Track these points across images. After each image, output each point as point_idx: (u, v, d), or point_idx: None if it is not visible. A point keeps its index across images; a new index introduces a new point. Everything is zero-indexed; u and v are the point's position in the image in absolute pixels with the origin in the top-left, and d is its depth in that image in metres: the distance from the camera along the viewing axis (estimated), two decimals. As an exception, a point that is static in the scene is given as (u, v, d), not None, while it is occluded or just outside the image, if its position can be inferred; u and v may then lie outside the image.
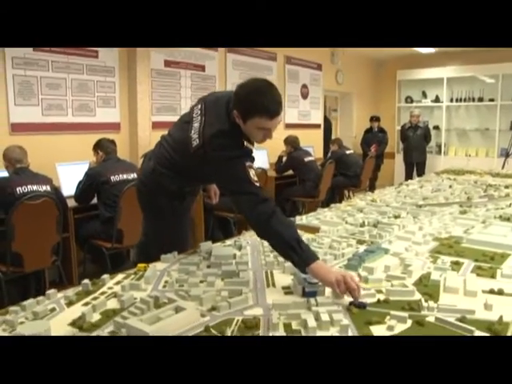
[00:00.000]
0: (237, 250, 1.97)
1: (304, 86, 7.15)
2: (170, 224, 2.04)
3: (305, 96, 7.20)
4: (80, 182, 3.29)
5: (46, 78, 3.81)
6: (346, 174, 6.07)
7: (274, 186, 5.36)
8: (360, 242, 2.07)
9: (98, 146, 3.42)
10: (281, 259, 1.77)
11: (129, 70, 4.45)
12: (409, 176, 7.37)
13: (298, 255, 1.50)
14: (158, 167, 1.95)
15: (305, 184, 5.27)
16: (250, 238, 2.20)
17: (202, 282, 1.58)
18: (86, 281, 1.59)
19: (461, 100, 8.10)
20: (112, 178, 3.23)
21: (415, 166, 7.61)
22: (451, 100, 8.19)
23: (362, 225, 2.38)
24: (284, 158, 5.42)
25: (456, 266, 1.69)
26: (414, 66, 8.31)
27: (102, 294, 1.53)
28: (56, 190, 2.99)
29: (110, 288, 1.58)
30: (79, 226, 3.31)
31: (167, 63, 4.83)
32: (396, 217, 2.55)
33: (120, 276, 1.70)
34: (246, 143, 1.71)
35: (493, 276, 1.59)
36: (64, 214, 3.06)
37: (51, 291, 1.50)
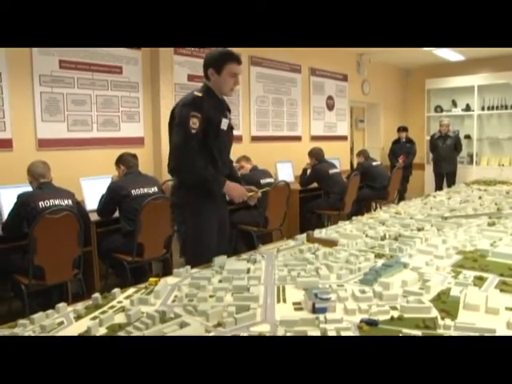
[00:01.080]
0: (251, 265, 1.93)
1: (329, 98, 7.09)
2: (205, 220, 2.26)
3: (330, 108, 7.14)
4: (102, 196, 3.34)
5: (71, 95, 3.91)
6: (373, 186, 5.95)
7: (299, 198, 5.30)
8: (379, 255, 1.99)
9: (120, 161, 3.46)
10: (294, 273, 1.73)
11: (152, 84, 4.52)
12: (439, 187, 7.15)
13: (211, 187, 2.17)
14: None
15: (329, 197, 5.19)
16: (266, 251, 2.16)
17: (211, 296, 1.55)
18: (97, 294, 1.59)
19: (493, 108, 7.85)
20: (133, 191, 3.25)
21: (445, 176, 7.39)
22: (482, 108, 7.95)
23: (383, 238, 2.30)
24: (308, 171, 5.36)
25: (479, 281, 1.60)
26: (443, 74, 8.13)
27: (111, 307, 1.52)
28: (78, 204, 3.03)
29: (119, 302, 1.57)
30: (101, 239, 3.34)
31: (191, 77, 4.88)
32: (419, 229, 2.46)
33: (131, 290, 1.69)
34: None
35: (518, 292, 1.49)
36: (86, 228, 3.11)
37: (61, 305, 1.50)
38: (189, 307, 1.45)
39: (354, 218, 2.90)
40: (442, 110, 8.39)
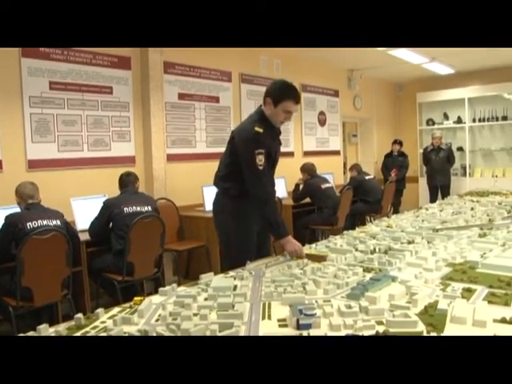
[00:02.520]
0: (238, 281, 1.91)
1: (321, 113, 7.14)
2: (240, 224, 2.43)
3: (322, 123, 7.18)
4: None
5: (62, 116, 3.91)
6: (366, 200, 5.95)
7: (291, 214, 5.28)
8: (367, 270, 1.97)
9: (119, 181, 3.49)
10: (280, 289, 1.71)
11: (143, 104, 4.53)
12: (433, 200, 7.12)
13: (275, 231, 2.35)
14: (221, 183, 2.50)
15: (322, 211, 5.18)
16: (254, 268, 2.13)
17: (195, 315, 1.52)
18: (79, 315, 1.56)
19: (484, 120, 7.91)
20: (125, 209, 3.24)
21: (440, 189, 7.40)
22: (474, 120, 8.01)
23: (373, 252, 2.28)
24: (301, 186, 5.36)
25: (468, 293, 1.58)
26: (434, 87, 8.21)
27: (94, 328, 1.49)
28: (67, 225, 3.01)
29: (102, 322, 1.54)
30: (92, 259, 3.31)
31: (181, 96, 4.90)
32: (410, 242, 2.44)
33: (115, 310, 1.66)
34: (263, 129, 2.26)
35: (507, 303, 1.47)
36: (76, 248, 3.08)
37: (42, 326, 1.46)
38: (172, 326, 1.42)
39: (345, 232, 2.88)
40: (433, 123, 8.45)
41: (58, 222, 2.86)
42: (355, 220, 5.91)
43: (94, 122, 4.14)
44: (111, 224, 3.23)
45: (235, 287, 1.82)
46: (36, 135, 3.76)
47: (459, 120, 8.12)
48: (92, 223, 3.28)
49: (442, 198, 6.18)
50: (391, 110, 8.89)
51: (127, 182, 3.41)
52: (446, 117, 8.37)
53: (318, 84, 6.96)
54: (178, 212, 4.52)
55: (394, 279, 1.77)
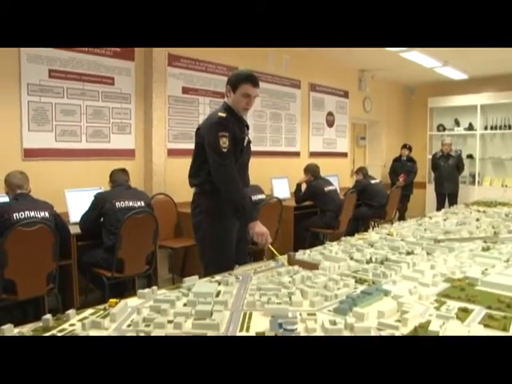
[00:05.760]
0: (223, 287, 1.81)
1: (330, 114, 7.01)
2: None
3: (330, 124, 7.05)
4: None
5: (60, 105, 3.83)
6: (371, 205, 5.82)
7: (293, 215, 5.17)
8: (360, 281, 1.86)
9: (110, 178, 3.40)
10: (264, 299, 1.60)
11: (145, 96, 4.44)
12: (440, 207, 6.99)
13: (242, 215, 2.29)
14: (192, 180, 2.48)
15: (325, 214, 5.06)
16: (242, 273, 2.03)
17: (170, 322, 1.43)
18: (47, 316, 1.46)
19: (496, 128, 7.73)
20: (117, 203, 3.15)
21: (447, 196, 7.25)
22: (485, 128, 7.84)
23: (369, 261, 2.17)
24: (303, 186, 5.24)
25: (463, 313, 1.46)
26: (446, 92, 8.05)
27: (61, 331, 1.40)
28: (57, 217, 2.92)
29: (72, 325, 1.45)
30: (82, 253, 3.23)
31: (185, 90, 4.81)
32: (408, 253, 2.32)
33: (88, 311, 1.57)
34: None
35: (505, 328, 1.35)
36: (66, 241, 3.00)
37: (6, 327, 1.38)
38: (142, 334, 1.33)
39: (342, 238, 2.76)
40: (444, 129, 8.28)
41: (46, 214, 2.78)
42: (358, 224, 5.79)
43: (93, 112, 4.06)
44: (102, 219, 3.14)
45: (218, 293, 1.72)
46: (33, 124, 3.68)
47: (470, 127, 7.95)
48: (83, 216, 3.19)
49: (450, 206, 6.04)
50: (402, 113, 8.73)
51: (118, 177, 3.32)
52: (457, 123, 8.20)
53: (327, 84, 6.83)
54: (177, 208, 4.43)
55: (386, 293, 1.66)
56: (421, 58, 5.96)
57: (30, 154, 3.68)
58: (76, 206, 3.51)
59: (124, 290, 3.33)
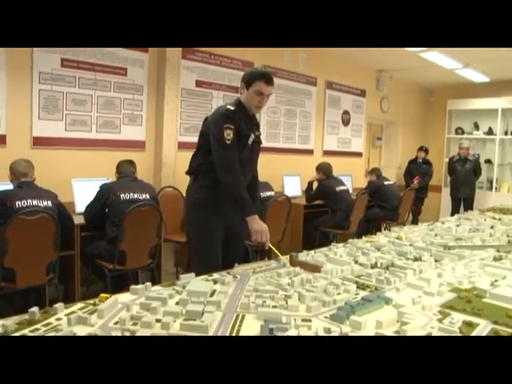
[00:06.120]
0: (219, 286, 1.75)
1: (345, 113, 6.90)
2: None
3: (346, 123, 6.94)
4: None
5: (72, 94, 3.81)
6: (384, 206, 5.71)
7: (303, 214, 5.10)
8: (363, 286, 1.79)
9: (116, 169, 3.37)
10: (259, 301, 1.54)
11: (158, 88, 4.40)
12: (455, 212, 6.83)
13: (241, 207, 2.25)
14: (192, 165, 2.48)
15: (335, 214, 4.97)
16: (241, 272, 1.98)
17: (158, 321, 1.37)
18: (34, 309, 1.42)
19: (516, 133, 7.52)
20: (122, 195, 3.12)
21: (463, 201, 7.08)
22: (506, 133, 7.63)
23: (373, 266, 2.09)
24: (315, 184, 5.16)
25: (467, 327, 1.38)
26: (466, 95, 7.86)
27: (46, 325, 1.35)
28: (60, 206, 2.90)
29: (58, 319, 1.41)
30: (86, 244, 3.21)
31: (199, 83, 4.76)
32: (416, 259, 2.24)
33: (78, 305, 1.53)
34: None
35: (511, 346, 1.26)
36: (69, 231, 2.98)
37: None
38: (127, 333, 1.28)
39: (350, 240, 2.68)
40: (463, 132, 8.10)
41: (49, 204, 2.76)
42: (369, 226, 5.69)
43: (104, 103, 4.03)
44: (107, 210, 3.12)
45: (214, 292, 1.66)
46: (43, 112, 3.67)
47: (490, 131, 7.75)
48: (87, 207, 3.17)
49: (465, 211, 5.90)
50: (419, 114, 8.56)
51: (124, 168, 3.29)
52: (476, 127, 8.00)
53: (344, 82, 6.71)
54: (185, 202, 4.38)
55: (387, 301, 1.58)
56: (441, 59, 5.81)
57: (39, 142, 3.67)
58: (82, 195, 3.49)
59: (126, 282, 3.30)
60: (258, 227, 2.23)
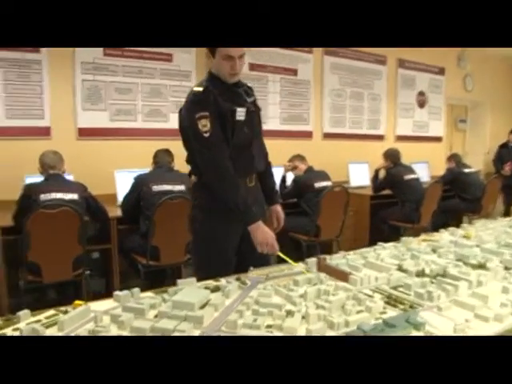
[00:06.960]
0: (214, 296, 1.47)
1: (421, 94, 6.25)
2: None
3: (422, 105, 6.29)
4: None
5: (115, 83, 3.73)
6: (464, 197, 5.05)
7: (369, 205, 4.64)
8: (394, 302, 1.41)
9: (153, 158, 3.22)
10: (250, 320, 1.24)
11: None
12: (554, 203, 5.92)
13: (238, 215, 1.82)
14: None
15: (404, 206, 4.45)
16: (254, 277, 1.69)
17: (118, 341, 1.13)
18: (-7, 317, 1.26)
19: None
20: (154, 187, 2.95)
21: None
22: None
23: (419, 274, 1.68)
24: (381, 173, 4.67)
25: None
26: None
27: (-1, 335, 1.18)
28: (89, 199, 2.79)
29: (15, 330, 1.23)
30: (124, 237, 3.10)
31: (252, 67, 4.49)
32: (479, 266, 1.78)
33: (46, 313, 1.34)
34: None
35: None
36: (104, 224, 2.88)
37: None
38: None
39: (403, 238, 2.26)
40: None
41: (75, 197, 2.65)
42: (447, 218, 5.06)
43: (150, 90, 3.91)
44: (141, 203, 2.97)
45: (205, 303, 1.39)
46: (87, 103, 3.62)
47: None
48: (124, 199, 3.05)
49: None
50: (511, 94, 7.53)
51: (163, 157, 3.11)
52: None
53: (419, 60, 6.06)
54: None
55: (417, 327, 1.20)
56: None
57: (84, 133, 3.63)
58: (124, 187, 3.39)
59: (164, 278, 3.15)
60: (262, 238, 1.79)
